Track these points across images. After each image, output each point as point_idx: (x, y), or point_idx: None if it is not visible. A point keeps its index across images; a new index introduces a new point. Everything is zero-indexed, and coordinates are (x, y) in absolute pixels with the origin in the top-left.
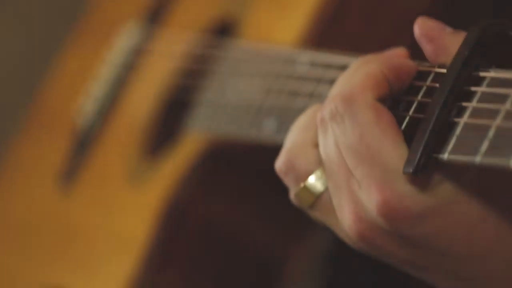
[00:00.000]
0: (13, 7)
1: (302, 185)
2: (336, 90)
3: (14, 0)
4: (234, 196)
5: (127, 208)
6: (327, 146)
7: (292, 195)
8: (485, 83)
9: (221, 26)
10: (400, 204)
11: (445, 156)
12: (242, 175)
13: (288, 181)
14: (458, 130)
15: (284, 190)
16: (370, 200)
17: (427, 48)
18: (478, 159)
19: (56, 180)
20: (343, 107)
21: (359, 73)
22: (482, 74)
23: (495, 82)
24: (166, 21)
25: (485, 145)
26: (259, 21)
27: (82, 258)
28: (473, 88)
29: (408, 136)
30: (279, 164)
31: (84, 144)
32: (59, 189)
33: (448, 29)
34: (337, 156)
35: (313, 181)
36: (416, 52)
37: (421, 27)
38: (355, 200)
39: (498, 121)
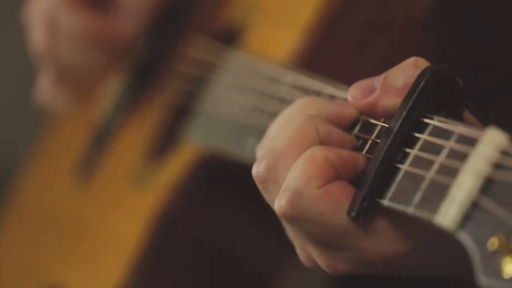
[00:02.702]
0: None
1: None
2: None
3: None
4: (227, 210)
5: (126, 210)
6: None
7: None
8: (427, 130)
9: (228, 32)
10: None
11: (385, 202)
12: (236, 189)
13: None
14: (399, 177)
15: None
16: None
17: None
18: (410, 209)
19: (75, 174)
20: (296, 206)
21: (300, 162)
22: (426, 120)
23: (436, 131)
24: (184, 21)
25: (417, 197)
26: (261, 32)
27: (84, 257)
28: (417, 135)
29: None
30: (261, 169)
31: (102, 139)
32: (77, 184)
33: (376, 82)
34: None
35: None
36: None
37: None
38: None
39: (431, 173)
